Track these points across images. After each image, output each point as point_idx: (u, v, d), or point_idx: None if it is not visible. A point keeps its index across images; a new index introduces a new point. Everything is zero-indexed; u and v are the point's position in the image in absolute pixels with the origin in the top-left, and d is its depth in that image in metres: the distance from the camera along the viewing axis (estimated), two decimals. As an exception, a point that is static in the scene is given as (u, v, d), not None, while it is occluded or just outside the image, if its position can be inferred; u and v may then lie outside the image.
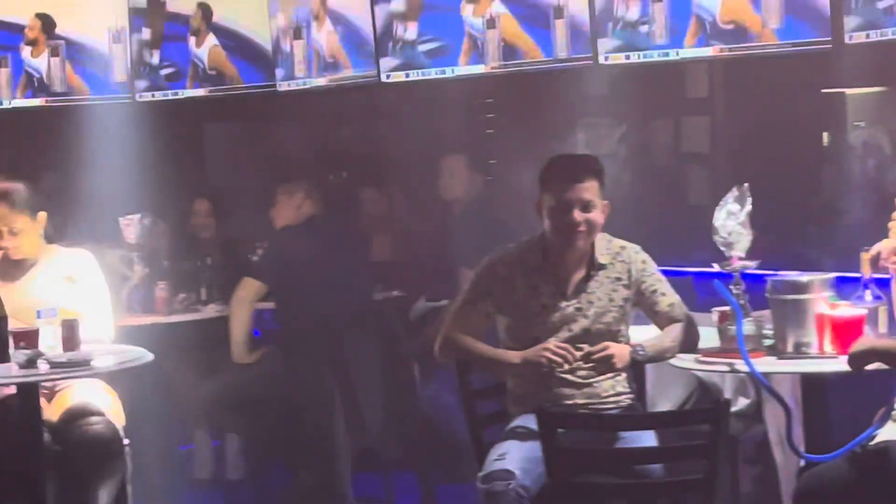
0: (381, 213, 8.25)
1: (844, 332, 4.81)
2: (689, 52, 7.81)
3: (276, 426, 6.91)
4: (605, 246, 5.16)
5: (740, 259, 5.11)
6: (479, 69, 8.75)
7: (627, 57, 8.14)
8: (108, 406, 5.98)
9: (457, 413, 5.41)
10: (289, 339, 7.05)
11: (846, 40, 6.84)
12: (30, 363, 5.50)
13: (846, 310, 4.85)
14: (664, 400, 5.91)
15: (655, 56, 8.02)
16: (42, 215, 6.21)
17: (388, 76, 9.04)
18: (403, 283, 7.67)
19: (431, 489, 7.24)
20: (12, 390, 5.65)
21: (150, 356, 5.85)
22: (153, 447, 6.78)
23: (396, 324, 7.42)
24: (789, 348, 4.92)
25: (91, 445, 5.84)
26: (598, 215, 5.01)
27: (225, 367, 7.16)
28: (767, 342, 4.98)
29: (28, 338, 5.58)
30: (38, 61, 10.06)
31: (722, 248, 5.14)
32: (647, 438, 4.72)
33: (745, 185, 5.13)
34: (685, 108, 8.96)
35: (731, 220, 5.09)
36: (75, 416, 5.87)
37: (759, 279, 5.19)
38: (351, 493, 7.05)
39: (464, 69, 8.79)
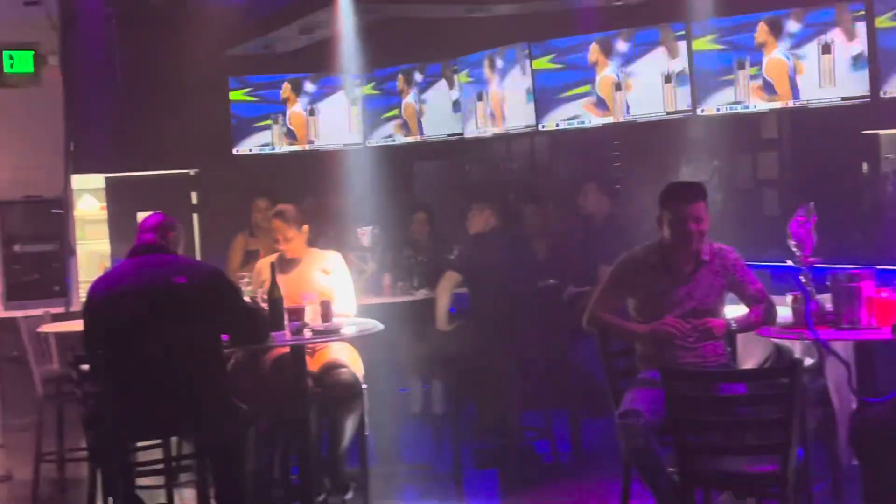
0: (540, 224, 8.24)
1: (886, 309, 4.88)
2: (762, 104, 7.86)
3: (468, 375, 6.94)
4: (707, 247, 5.15)
5: (807, 256, 5.13)
6: (609, 120, 8.78)
7: (718, 109, 8.13)
8: (352, 361, 6.11)
9: (598, 367, 5.39)
10: (477, 314, 7.07)
11: (881, 95, 6.85)
12: (298, 331, 5.64)
13: (887, 293, 4.95)
14: (749, 360, 5.87)
15: (738, 109, 8.03)
16: (305, 227, 6.35)
17: (542, 126, 9.10)
18: (557, 275, 7.65)
19: (578, 422, 7.24)
20: (286, 350, 5.80)
21: (380, 326, 5.98)
22: (382, 390, 6.86)
23: (553, 303, 7.42)
24: (845, 322, 4.95)
25: (340, 388, 5.97)
26: (705, 226, 5.03)
27: (431, 333, 7.20)
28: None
29: (297, 313, 5.72)
30: (297, 118, 10.28)
31: (794, 249, 5.17)
32: (739, 388, 4.68)
33: (811, 203, 5.14)
34: (760, 146, 8.82)
35: (801, 228, 5.11)
36: (329, 368, 6.01)
37: (821, 271, 5.20)
38: (520, 424, 7.08)
39: (599, 120, 8.83)
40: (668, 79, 8.43)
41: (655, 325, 5.03)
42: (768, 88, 7.92)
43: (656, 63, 8.53)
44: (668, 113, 8.52)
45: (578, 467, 7.11)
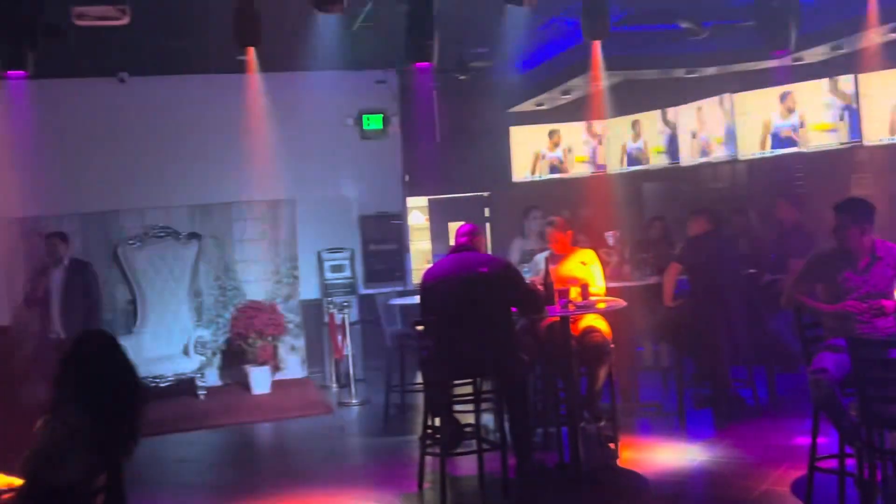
0: (743, 227, 7.90)
1: None
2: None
3: (688, 338, 6.72)
4: (881, 245, 4.79)
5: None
6: (794, 150, 8.27)
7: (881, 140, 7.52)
8: (602, 327, 6.00)
9: (788, 335, 5.11)
10: (695, 294, 6.83)
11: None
12: (565, 306, 5.60)
13: None
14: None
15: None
16: (570, 232, 6.31)
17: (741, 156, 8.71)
18: (756, 266, 7.30)
19: (774, 376, 6.88)
20: (556, 319, 5.71)
21: (623, 303, 5.85)
22: (624, 349, 6.73)
23: (753, 287, 7.09)
24: None
25: (594, 347, 5.87)
26: (845, 232, 4.82)
27: (660, 308, 7.00)
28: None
29: (564, 293, 5.68)
30: (558, 153, 10.20)
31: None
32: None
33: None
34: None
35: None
36: (587, 332, 5.92)
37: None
38: (729, 375, 6.79)
39: (784, 151, 8.34)
40: (841, 117, 7.87)
41: (839, 305, 4.79)
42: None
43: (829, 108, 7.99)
44: (840, 143, 7.93)
45: (774, 410, 6.76)
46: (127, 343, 3.67)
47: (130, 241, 9.23)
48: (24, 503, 3.35)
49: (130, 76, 9.28)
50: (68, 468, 3.24)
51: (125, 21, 6.07)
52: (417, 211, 11.25)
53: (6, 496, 3.95)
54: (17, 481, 3.76)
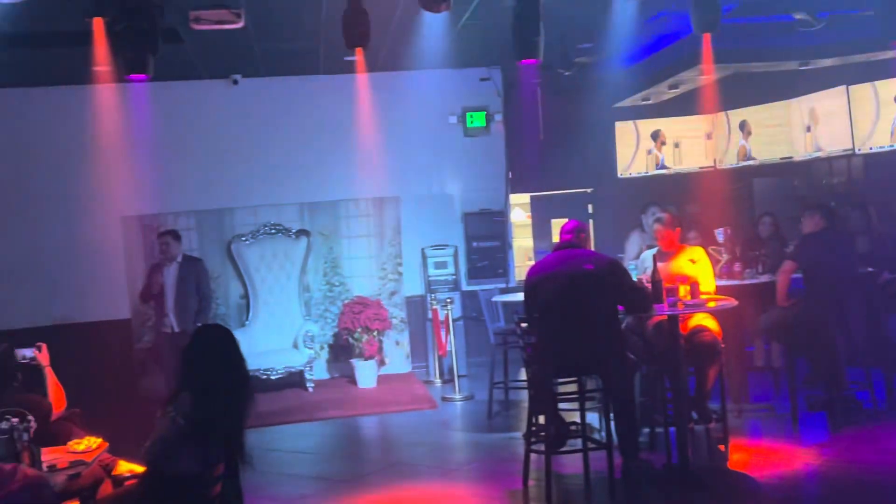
0: (861, 226, 7.55)
1: None
2: None
3: (802, 338, 6.47)
4: None
5: None
6: None
7: None
8: (713, 326, 5.84)
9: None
10: (809, 293, 6.57)
11: None
12: (673, 304, 5.45)
13: None
14: None
15: None
16: (678, 229, 6.16)
17: (858, 150, 8.34)
18: (875, 264, 6.96)
19: (893, 379, 6.57)
20: (664, 317, 5.53)
21: (734, 302, 5.67)
22: (733, 348, 6.55)
23: (871, 286, 6.77)
24: None
25: (704, 346, 5.74)
26: None
27: (772, 307, 6.77)
28: None
29: (673, 291, 5.53)
30: (665, 147, 9.99)
31: None
32: None
33: None
34: None
35: None
36: (696, 331, 5.80)
37: None
38: (845, 377, 6.50)
39: None
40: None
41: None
42: None
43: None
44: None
45: (892, 413, 6.45)
46: (239, 336, 3.75)
47: (243, 238, 9.49)
48: (146, 490, 3.48)
49: (243, 78, 9.53)
50: (187, 458, 3.34)
51: (240, 24, 6.24)
52: (519, 208, 11.20)
53: (129, 482, 4.12)
54: (139, 468, 3.92)
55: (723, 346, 5.74)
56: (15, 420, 3.63)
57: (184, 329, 7.67)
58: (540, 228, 10.91)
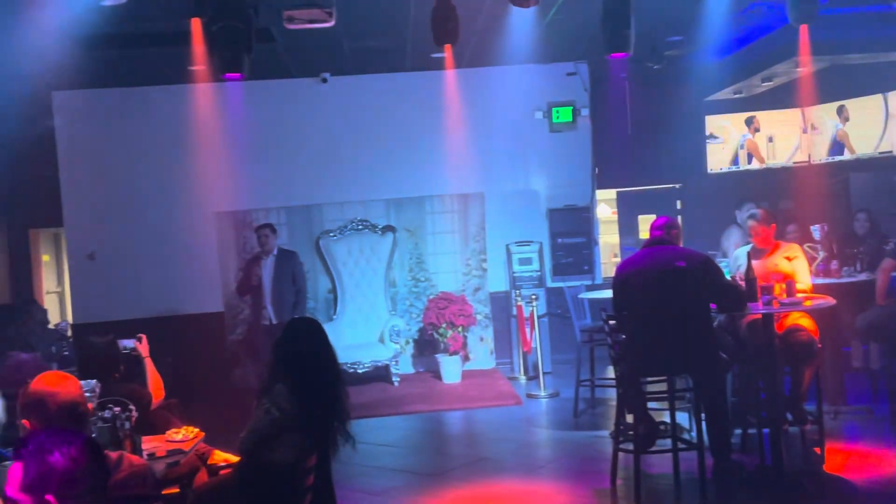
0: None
1: None
2: None
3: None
4: None
5: None
6: None
7: None
8: (809, 325, 5.62)
9: None
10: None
11: None
12: (768, 303, 5.26)
13: None
14: None
15: None
16: (773, 225, 5.95)
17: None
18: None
19: None
20: (758, 316, 5.33)
21: (831, 301, 5.45)
22: (830, 349, 6.32)
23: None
24: None
25: (800, 346, 5.54)
26: None
27: (871, 306, 6.52)
28: None
29: (768, 289, 5.35)
30: (751, 144, 9.69)
31: None
32: None
33: None
34: None
35: None
36: (792, 331, 5.57)
37: None
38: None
39: None
40: None
41: None
42: None
43: None
44: None
45: None
46: (327, 330, 3.80)
47: (331, 234, 9.61)
48: (241, 479, 3.53)
49: (332, 76, 9.64)
50: (282, 449, 3.39)
51: (331, 23, 6.30)
52: (604, 203, 11.04)
53: (223, 471, 4.19)
54: (234, 458, 3.99)
55: (819, 346, 5.52)
56: (117, 409, 3.73)
57: (281, 321, 7.81)
58: (626, 224, 10.74)
